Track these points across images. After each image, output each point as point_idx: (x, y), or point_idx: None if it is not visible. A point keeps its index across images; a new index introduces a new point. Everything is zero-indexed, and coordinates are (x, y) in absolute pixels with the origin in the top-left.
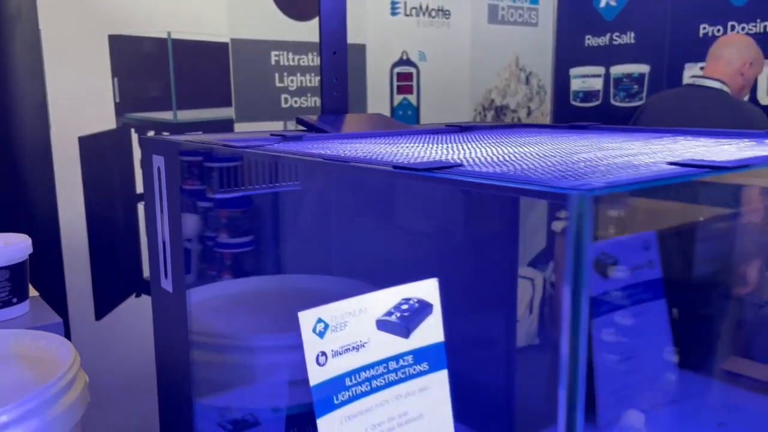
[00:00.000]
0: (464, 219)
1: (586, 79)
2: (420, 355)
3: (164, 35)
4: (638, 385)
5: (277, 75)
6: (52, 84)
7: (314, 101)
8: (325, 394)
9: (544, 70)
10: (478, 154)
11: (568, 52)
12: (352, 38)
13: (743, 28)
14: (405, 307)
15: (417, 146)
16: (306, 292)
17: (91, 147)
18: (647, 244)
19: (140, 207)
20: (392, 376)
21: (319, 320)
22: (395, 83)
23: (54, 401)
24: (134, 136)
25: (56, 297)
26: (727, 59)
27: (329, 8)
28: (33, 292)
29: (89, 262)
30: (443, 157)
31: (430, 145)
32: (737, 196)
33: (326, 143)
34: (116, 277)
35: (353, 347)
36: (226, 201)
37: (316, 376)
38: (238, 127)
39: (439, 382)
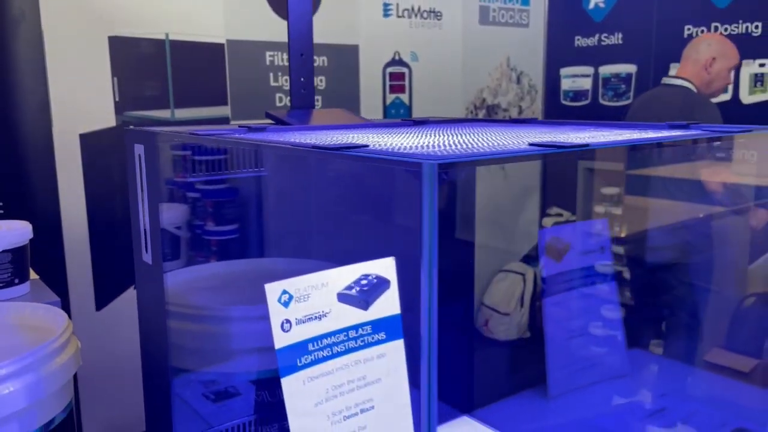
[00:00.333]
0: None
1: (575, 78)
2: (378, 325)
3: (162, 36)
4: (588, 360)
5: (271, 74)
6: (54, 83)
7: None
8: (289, 357)
9: (535, 69)
10: (397, 140)
11: (559, 53)
12: (345, 39)
13: (726, 29)
14: (364, 282)
15: (358, 135)
16: (282, 273)
17: (91, 143)
18: (600, 230)
19: None
20: (352, 344)
21: (284, 291)
22: (388, 83)
23: (47, 360)
24: None
25: (58, 287)
26: (693, 58)
27: (296, 15)
28: (33, 275)
29: (89, 254)
30: (371, 143)
31: (370, 135)
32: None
33: (284, 134)
34: (116, 268)
35: (316, 317)
36: (213, 192)
37: (280, 340)
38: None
39: (396, 350)
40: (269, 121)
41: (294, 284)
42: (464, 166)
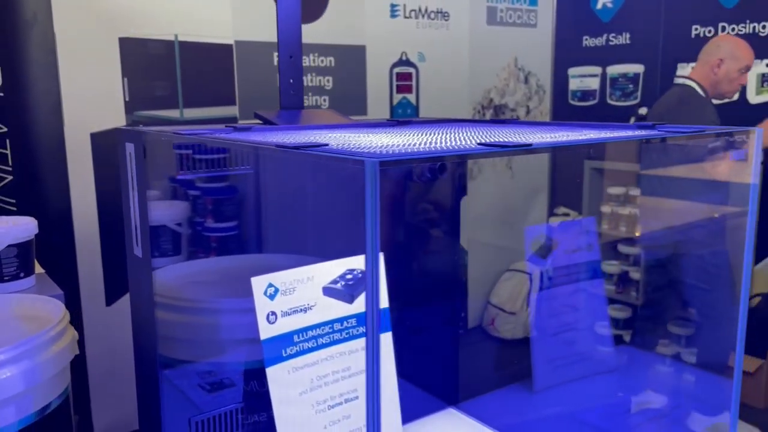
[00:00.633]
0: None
1: (583, 78)
2: (363, 318)
3: (171, 37)
4: (574, 355)
5: (278, 75)
6: (66, 84)
7: (315, 100)
8: (274, 347)
9: (543, 70)
10: (363, 140)
11: (567, 53)
12: (352, 40)
13: (733, 29)
14: (350, 276)
15: (331, 134)
16: (274, 269)
17: (102, 142)
18: (587, 229)
19: None
20: (337, 336)
21: (270, 285)
22: (395, 83)
23: (44, 348)
24: None
25: (69, 283)
26: (703, 59)
27: (285, 17)
28: (39, 269)
29: (100, 250)
30: (335, 142)
31: (343, 134)
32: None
33: (266, 133)
34: (125, 265)
35: (301, 309)
36: (213, 189)
37: (266, 331)
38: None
39: (383, 342)
40: (258, 121)
41: (280, 278)
42: (404, 164)
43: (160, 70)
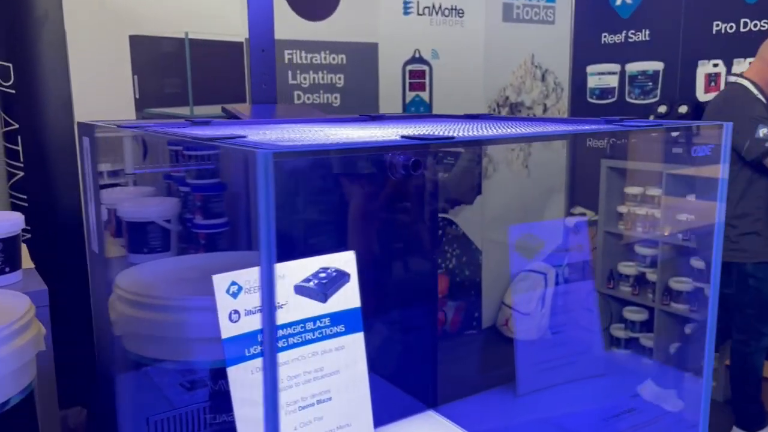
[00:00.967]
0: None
1: (602, 76)
2: (337, 318)
3: (182, 35)
4: (561, 358)
5: (290, 72)
6: (76, 81)
7: (326, 97)
8: (236, 347)
9: (561, 67)
10: (294, 133)
11: (585, 50)
12: (364, 37)
13: (755, 25)
14: (323, 275)
15: (288, 129)
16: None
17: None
18: (578, 228)
19: None
20: (309, 335)
21: (233, 283)
22: (408, 81)
23: (5, 342)
24: None
25: (80, 277)
26: (761, 56)
27: (257, 11)
28: (29, 264)
29: None
30: (263, 135)
31: (303, 129)
32: None
33: (225, 127)
34: None
35: None
36: (202, 186)
37: (227, 330)
38: None
39: (355, 342)
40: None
41: (245, 276)
42: (300, 156)
43: (170, 67)
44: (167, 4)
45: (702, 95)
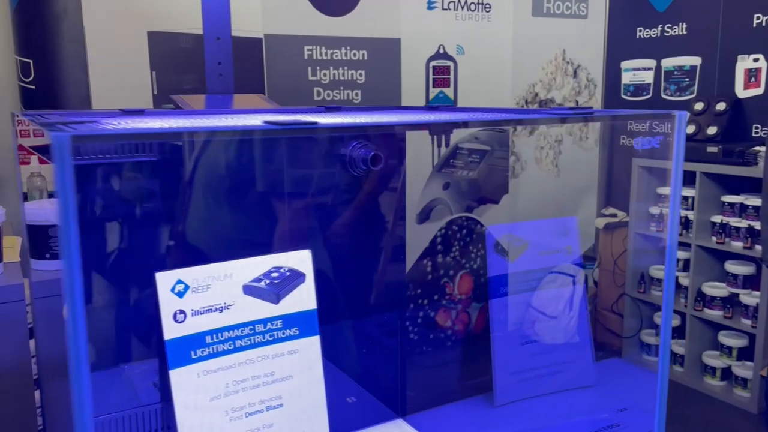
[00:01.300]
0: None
1: (637, 72)
2: (290, 320)
3: (200, 31)
4: (545, 368)
5: (309, 69)
6: (95, 76)
7: (347, 94)
8: (180, 348)
9: (594, 63)
10: (198, 122)
11: (620, 45)
12: (387, 33)
13: None
14: (275, 275)
15: (218, 119)
16: None
17: None
18: (566, 229)
19: None
20: (259, 338)
21: (179, 281)
22: (431, 77)
23: None
24: None
25: None
26: None
27: None
28: (15, 257)
29: None
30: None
31: (230, 118)
32: None
33: (157, 117)
34: None
35: (216, 308)
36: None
37: (171, 331)
38: None
39: (311, 346)
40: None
41: (191, 274)
42: (100, 140)
43: (188, 63)
44: (186, 0)
45: (741, 91)
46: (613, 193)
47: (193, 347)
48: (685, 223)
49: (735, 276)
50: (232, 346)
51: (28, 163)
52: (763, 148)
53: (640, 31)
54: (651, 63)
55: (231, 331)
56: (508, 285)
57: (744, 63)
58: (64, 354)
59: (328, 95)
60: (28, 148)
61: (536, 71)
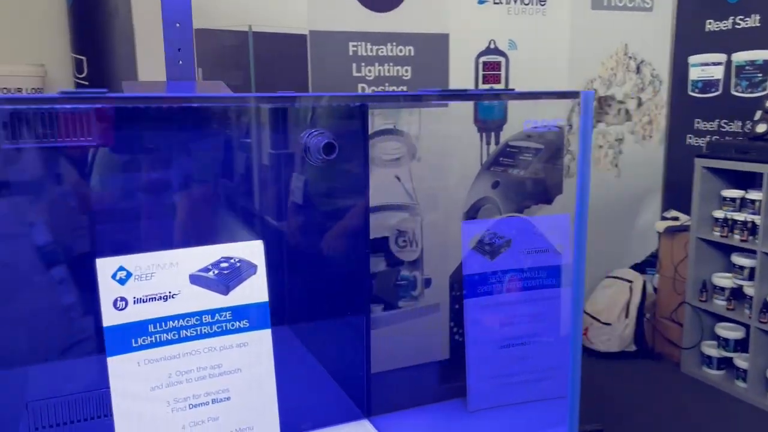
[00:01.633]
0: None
1: (705, 67)
2: (240, 312)
3: (245, 28)
4: (526, 374)
5: (354, 65)
6: (143, 73)
7: (392, 90)
8: (120, 336)
9: (660, 58)
10: None
11: (687, 38)
12: (434, 28)
13: None
14: (225, 265)
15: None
16: None
17: None
18: (557, 227)
19: None
20: (206, 329)
21: (121, 268)
22: (481, 72)
23: None
24: None
25: None
26: None
27: None
28: None
29: None
30: None
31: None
32: None
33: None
34: None
35: (160, 297)
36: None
37: (110, 318)
38: None
39: (261, 339)
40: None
41: (134, 261)
42: None
43: (233, 60)
44: None
45: None
46: (676, 195)
47: (135, 335)
48: (752, 229)
49: None
50: (177, 336)
51: None
52: None
53: (710, 23)
54: (721, 57)
55: (176, 321)
56: (486, 284)
57: None
58: None
59: (373, 92)
60: None
61: (595, 67)
